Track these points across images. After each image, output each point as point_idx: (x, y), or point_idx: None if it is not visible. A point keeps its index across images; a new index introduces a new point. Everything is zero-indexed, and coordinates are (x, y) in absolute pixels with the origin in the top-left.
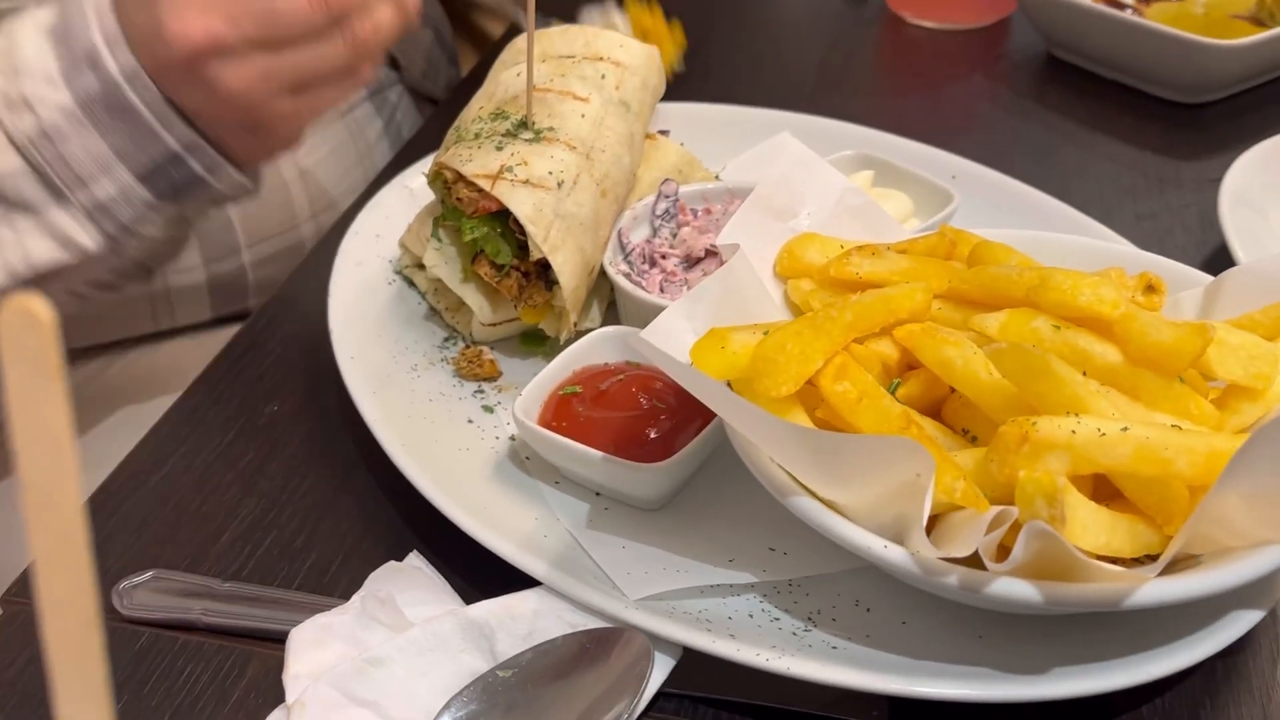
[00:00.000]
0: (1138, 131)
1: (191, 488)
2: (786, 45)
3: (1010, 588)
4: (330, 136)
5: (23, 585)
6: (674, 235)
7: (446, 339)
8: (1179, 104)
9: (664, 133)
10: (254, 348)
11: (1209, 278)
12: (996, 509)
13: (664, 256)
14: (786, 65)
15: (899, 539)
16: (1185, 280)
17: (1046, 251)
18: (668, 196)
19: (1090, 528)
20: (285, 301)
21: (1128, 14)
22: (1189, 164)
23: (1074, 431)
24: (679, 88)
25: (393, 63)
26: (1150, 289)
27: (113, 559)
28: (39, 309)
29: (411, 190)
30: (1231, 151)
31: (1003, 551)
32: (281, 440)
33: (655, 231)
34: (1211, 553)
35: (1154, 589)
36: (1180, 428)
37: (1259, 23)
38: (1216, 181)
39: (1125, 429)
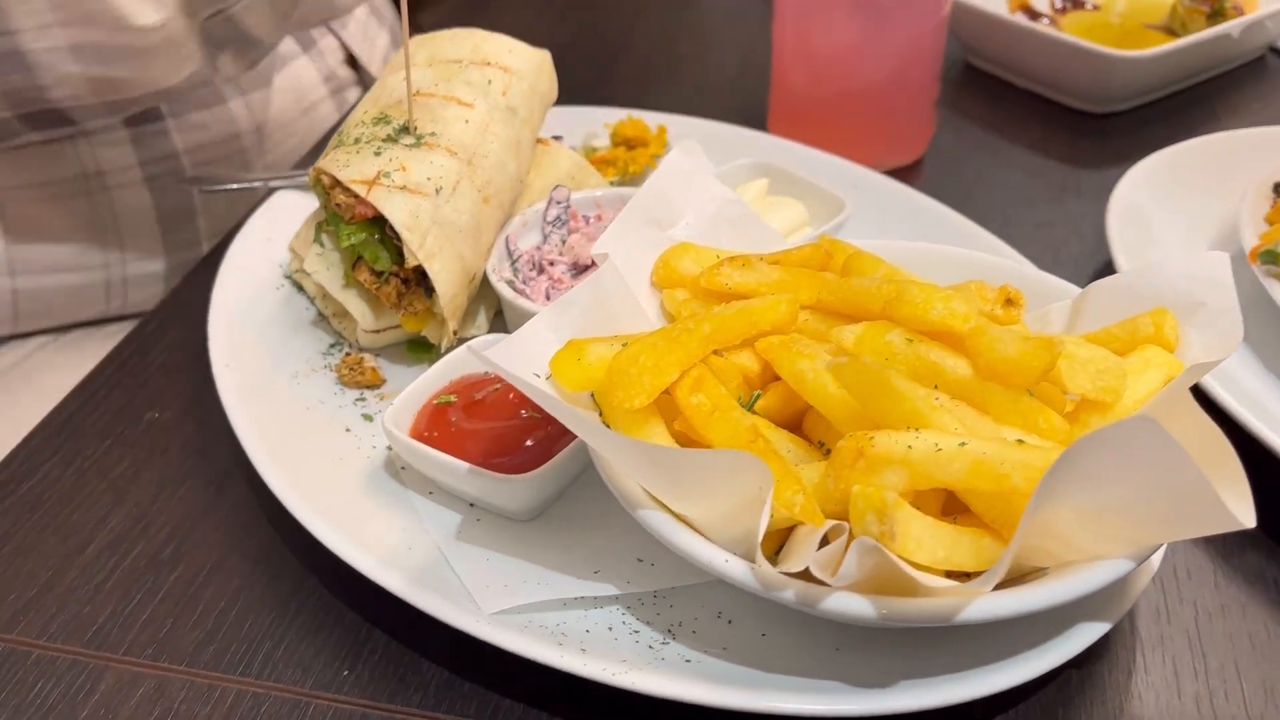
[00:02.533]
0: (1045, 140)
1: (61, 497)
2: (703, 49)
3: (844, 603)
4: (294, 132)
5: None
6: (563, 242)
7: (332, 345)
8: (1087, 113)
9: (557, 138)
10: (139, 353)
11: (1075, 289)
12: (831, 524)
13: (552, 264)
14: (704, 70)
15: (749, 554)
16: (1059, 293)
17: (924, 263)
18: (559, 203)
19: (925, 543)
20: (177, 306)
21: (1043, 24)
22: (1090, 173)
23: (910, 447)
24: (589, 92)
25: (352, 62)
26: (1009, 302)
27: None
28: None
29: (302, 194)
30: (1131, 162)
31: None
32: (158, 449)
33: (545, 238)
34: (1057, 567)
35: (986, 604)
36: (1023, 442)
37: (1171, 32)
38: (1114, 189)
39: (963, 444)
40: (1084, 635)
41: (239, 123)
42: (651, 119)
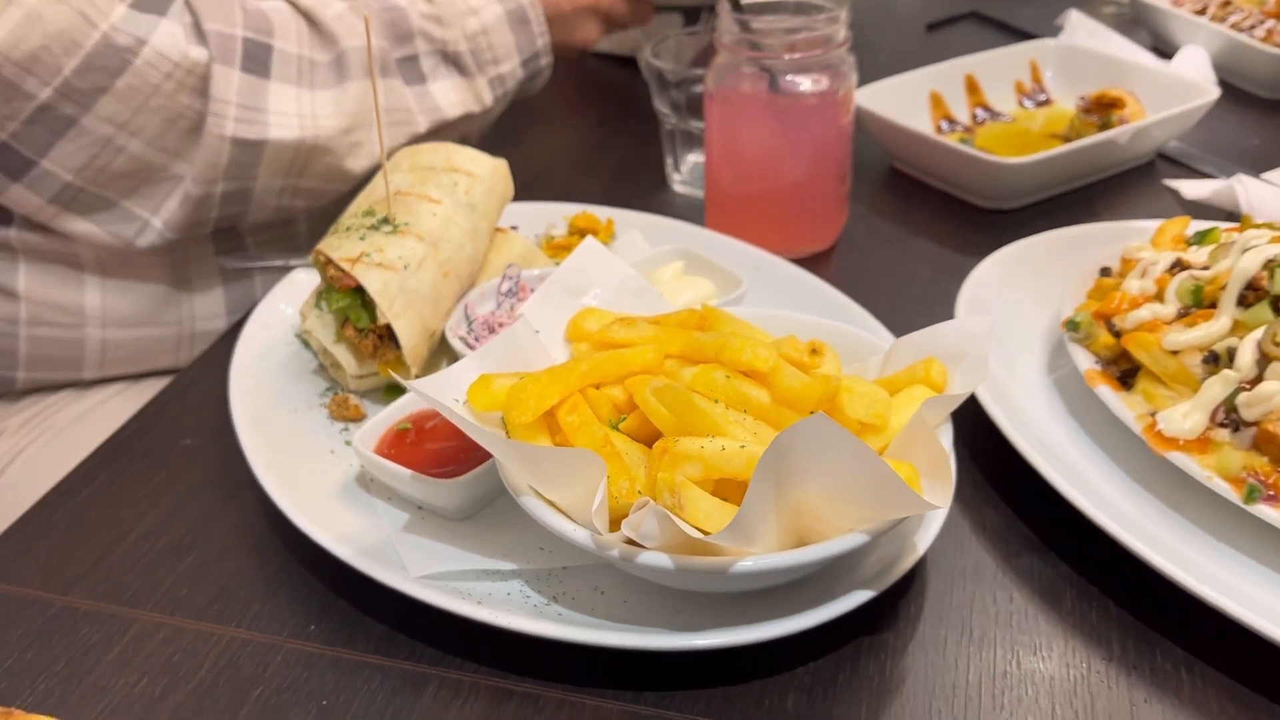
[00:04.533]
0: (948, 233)
1: (109, 500)
2: (634, 144)
3: (651, 558)
4: (332, 218)
5: None
6: (512, 309)
7: (326, 389)
8: (986, 209)
9: (514, 228)
10: (180, 394)
11: (880, 345)
12: (638, 501)
13: (502, 325)
14: (643, 164)
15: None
16: (872, 350)
17: (781, 327)
18: (510, 278)
19: (713, 516)
20: (213, 357)
21: (959, 131)
22: (978, 260)
23: (703, 447)
24: (533, 188)
25: None
26: (814, 351)
27: (41, 553)
28: None
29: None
30: None
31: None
32: (186, 467)
33: (499, 305)
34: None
35: (752, 561)
36: None
37: (1069, 141)
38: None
39: (743, 446)
40: (856, 598)
41: (297, 219)
42: (603, 213)
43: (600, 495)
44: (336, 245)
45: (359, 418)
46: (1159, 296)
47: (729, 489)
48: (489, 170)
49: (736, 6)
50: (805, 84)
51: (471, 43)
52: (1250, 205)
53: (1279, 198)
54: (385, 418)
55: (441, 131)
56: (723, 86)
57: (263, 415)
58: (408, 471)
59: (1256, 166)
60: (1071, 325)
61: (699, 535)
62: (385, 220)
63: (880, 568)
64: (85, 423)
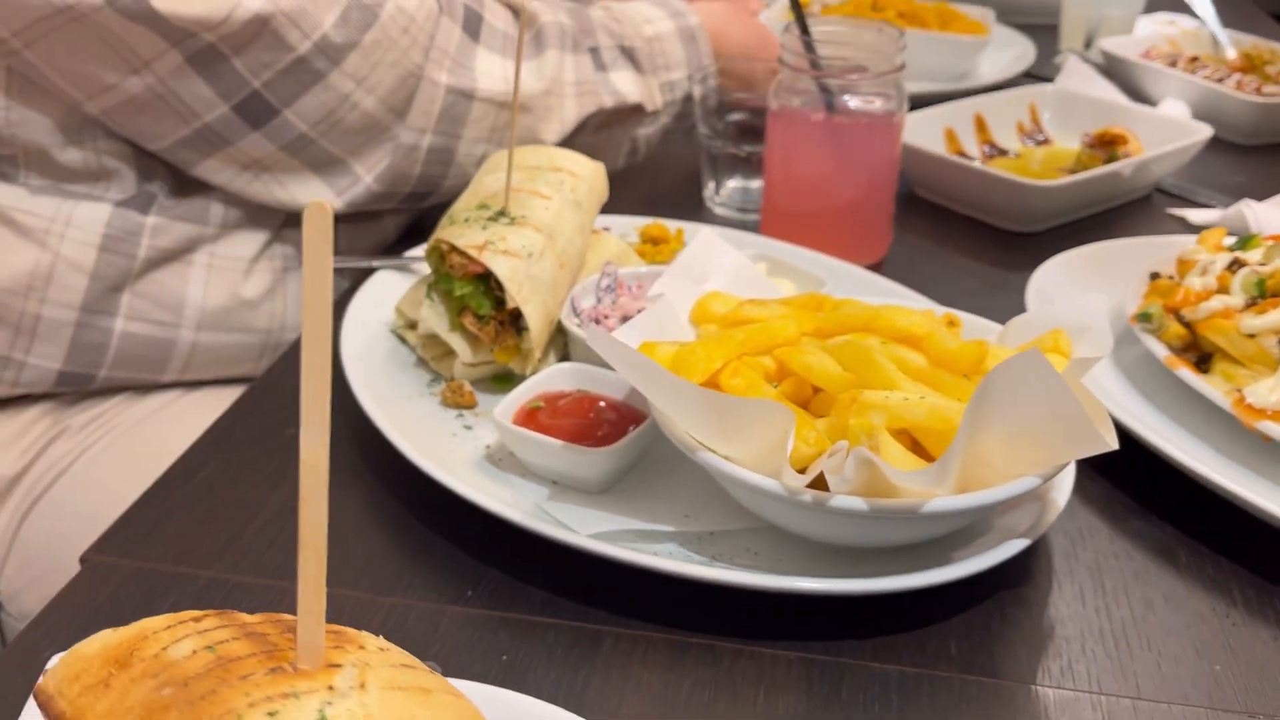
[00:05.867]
0: (978, 251)
1: (228, 483)
2: (671, 166)
3: (846, 501)
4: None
5: (104, 543)
6: (614, 303)
7: (432, 380)
8: (1011, 231)
9: (606, 229)
10: (271, 389)
11: (999, 326)
12: (835, 444)
13: (606, 317)
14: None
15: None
16: (985, 329)
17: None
18: (609, 275)
19: (899, 460)
20: (295, 358)
21: (974, 163)
22: (1016, 274)
23: (888, 397)
24: (632, 205)
25: None
26: (951, 323)
27: (170, 531)
28: (328, 209)
29: (397, 273)
30: None
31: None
32: (297, 454)
33: (599, 300)
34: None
35: (942, 501)
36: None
37: (1076, 174)
38: None
39: (923, 397)
40: (1013, 546)
41: (387, 235)
42: (671, 224)
43: (790, 443)
44: (459, 234)
45: (472, 404)
46: (1221, 291)
47: (902, 440)
48: (590, 171)
49: (803, 29)
50: (865, 105)
51: (647, 45)
52: (1259, 227)
53: None
54: (516, 397)
55: (615, 126)
56: (785, 105)
57: (383, 401)
58: (557, 441)
59: (1248, 198)
60: (1144, 317)
61: (901, 476)
62: (502, 213)
63: (1028, 520)
64: (150, 426)
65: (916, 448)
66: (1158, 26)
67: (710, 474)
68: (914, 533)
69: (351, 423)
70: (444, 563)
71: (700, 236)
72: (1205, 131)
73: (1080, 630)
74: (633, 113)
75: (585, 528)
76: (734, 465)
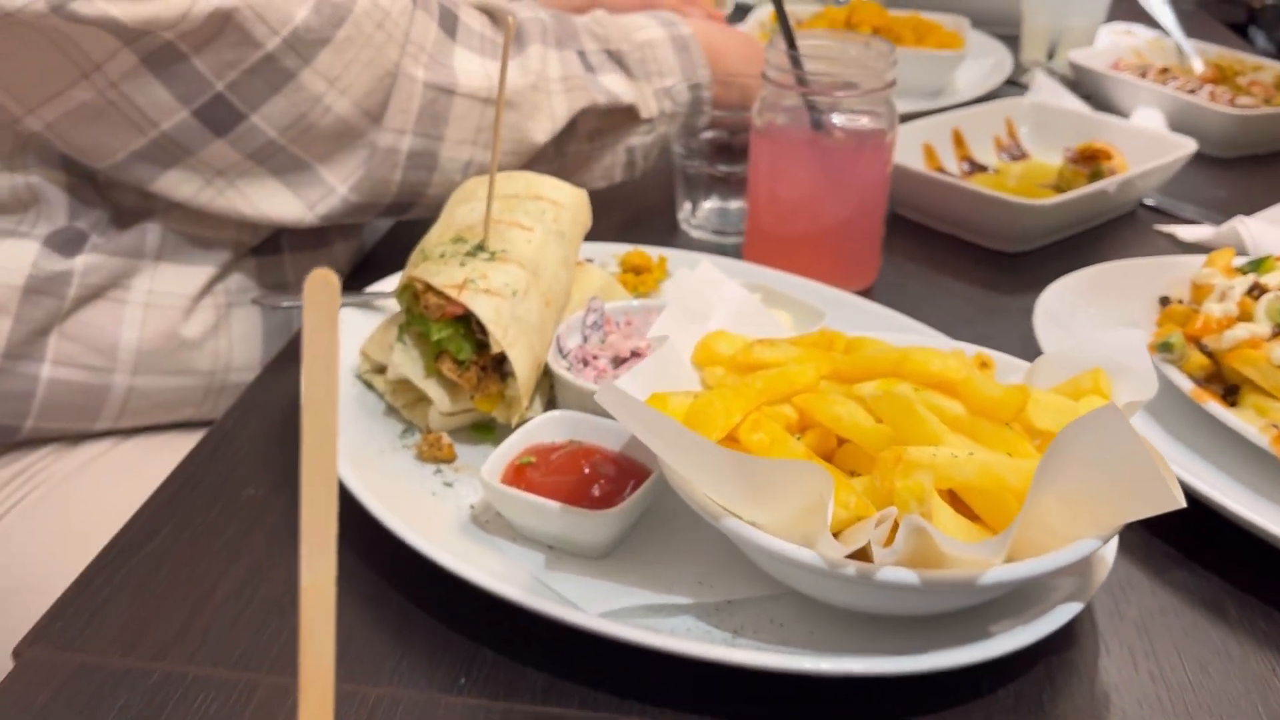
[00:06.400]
0: (968, 272)
1: (181, 556)
2: (641, 188)
3: (895, 573)
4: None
5: (39, 632)
6: (602, 341)
7: (404, 431)
8: (999, 252)
9: (589, 260)
10: (225, 444)
11: (1026, 363)
12: (881, 512)
13: (595, 358)
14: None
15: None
16: (1011, 366)
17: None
18: (595, 310)
19: (949, 527)
20: (250, 405)
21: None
22: (1010, 298)
23: (934, 455)
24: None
25: None
26: (983, 364)
27: (115, 616)
28: (333, 279)
29: (358, 310)
30: (1042, 288)
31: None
32: (260, 516)
33: (585, 339)
34: (1036, 553)
35: (1001, 571)
36: (1010, 456)
37: (1060, 190)
38: (1031, 310)
39: (971, 454)
40: (1065, 612)
41: (338, 264)
42: (652, 251)
43: (829, 509)
44: (435, 271)
45: (452, 458)
46: (1243, 318)
47: (942, 497)
48: (572, 199)
49: (791, 44)
50: (855, 123)
51: (637, 50)
52: (1255, 245)
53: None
54: (504, 452)
55: (608, 133)
56: (769, 123)
57: (352, 458)
58: (556, 504)
59: (1230, 214)
60: (1164, 347)
61: (961, 548)
62: (480, 247)
63: (1074, 578)
64: (83, 480)
65: (955, 501)
66: (1116, 36)
67: (734, 541)
68: (962, 602)
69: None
70: (432, 644)
71: (699, 269)
72: (1189, 145)
73: (1137, 700)
74: (627, 118)
75: (592, 605)
76: (766, 535)
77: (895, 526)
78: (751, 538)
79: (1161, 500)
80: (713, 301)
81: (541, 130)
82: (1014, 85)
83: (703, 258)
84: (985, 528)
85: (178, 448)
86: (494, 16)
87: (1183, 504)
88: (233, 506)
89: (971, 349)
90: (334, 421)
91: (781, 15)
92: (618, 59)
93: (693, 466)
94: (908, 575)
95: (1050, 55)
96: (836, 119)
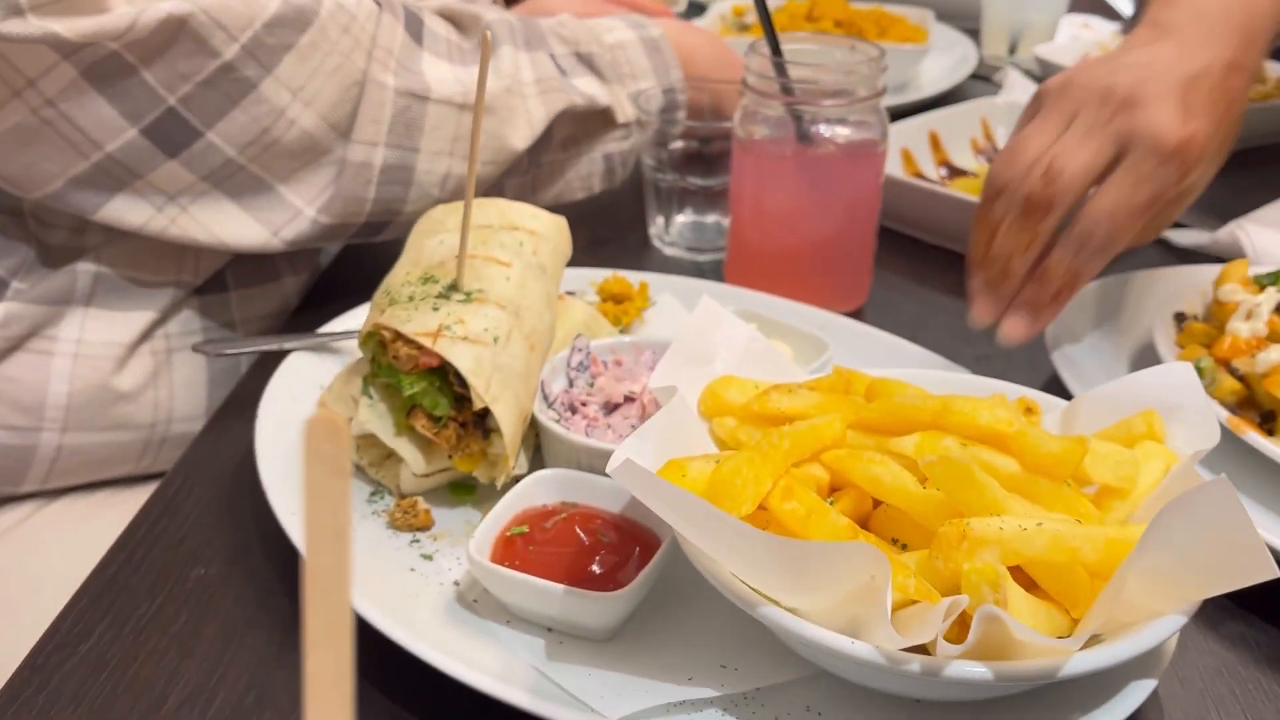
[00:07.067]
0: (961, 288)
1: (124, 656)
2: (609, 203)
3: (967, 669)
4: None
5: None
6: (590, 385)
7: (372, 494)
8: None
9: (570, 293)
10: (168, 513)
11: (1061, 401)
12: (950, 599)
13: (584, 404)
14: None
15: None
16: (1047, 405)
17: (928, 385)
18: (580, 350)
19: (1023, 612)
20: (195, 465)
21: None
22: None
23: (1001, 528)
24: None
25: None
26: (1029, 410)
27: None
28: (338, 420)
29: (313, 354)
30: None
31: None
32: (213, 603)
33: (571, 383)
34: (1111, 630)
35: (1082, 659)
36: (1079, 523)
37: None
38: None
39: (1040, 524)
40: (1140, 691)
41: (288, 300)
42: (632, 276)
43: (888, 596)
44: (405, 318)
45: (429, 525)
46: (1272, 338)
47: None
48: (552, 227)
49: (775, 49)
50: (844, 133)
51: (608, 53)
52: (1255, 250)
53: None
54: (493, 522)
55: (584, 140)
56: (754, 134)
57: None
58: (558, 586)
59: (1217, 214)
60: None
61: (1045, 640)
62: (454, 287)
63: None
64: (4, 548)
65: (1016, 573)
66: (1074, 29)
67: (773, 631)
68: (1029, 688)
69: (277, 555)
70: None
71: (700, 308)
72: None
73: None
74: (603, 123)
75: (609, 706)
76: (811, 626)
77: (961, 613)
78: (795, 629)
79: (1256, 571)
80: (716, 342)
81: (520, 136)
82: (981, 80)
83: (695, 284)
84: (1054, 604)
85: (113, 508)
86: (457, 22)
87: (1277, 574)
88: (181, 591)
89: (1013, 390)
90: (348, 605)
91: (764, 17)
92: (588, 62)
93: (724, 549)
94: (979, 670)
95: (1012, 50)
96: (824, 129)
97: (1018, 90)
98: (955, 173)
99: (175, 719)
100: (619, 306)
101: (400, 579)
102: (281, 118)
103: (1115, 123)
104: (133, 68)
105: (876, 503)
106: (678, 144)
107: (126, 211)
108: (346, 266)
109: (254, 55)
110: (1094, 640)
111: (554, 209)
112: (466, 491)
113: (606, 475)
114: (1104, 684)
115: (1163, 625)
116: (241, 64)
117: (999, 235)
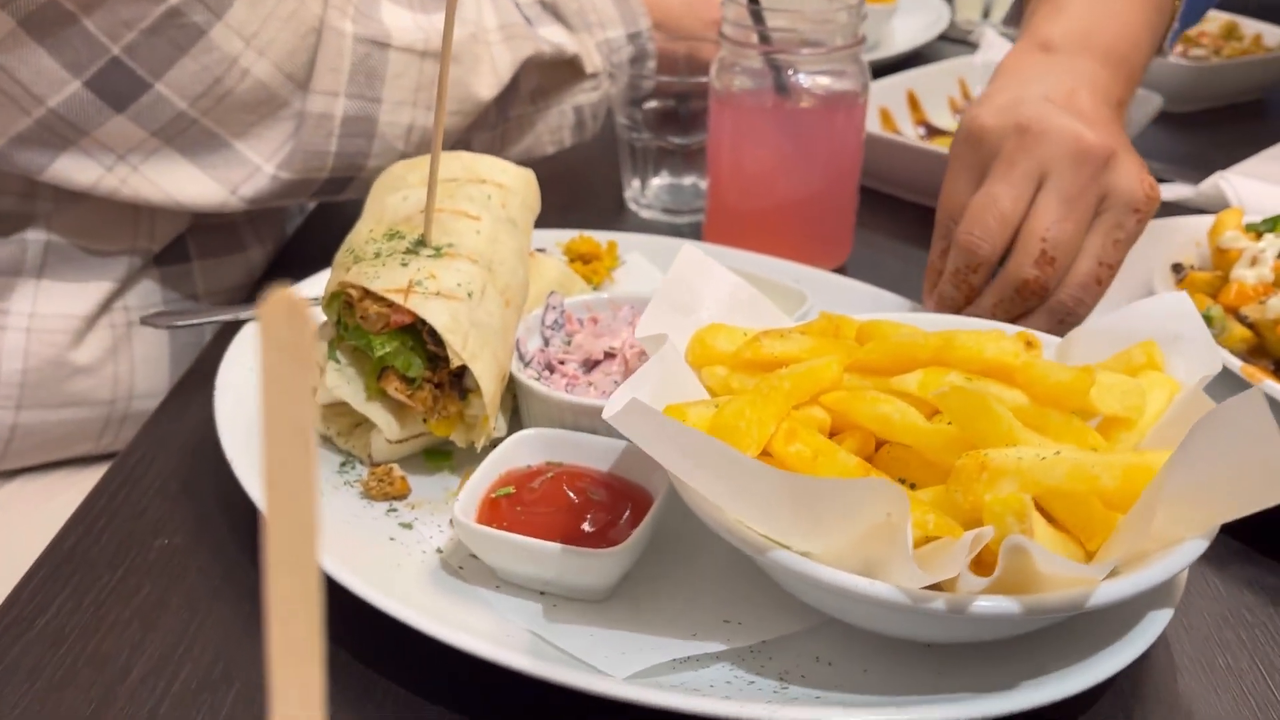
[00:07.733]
0: None
1: (84, 629)
2: (583, 164)
3: (994, 604)
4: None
5: None
6: (567, 343)
7: (343, 464)
8: None
9: (541, 250)
10: (129, 484)
11: (1054, 339)
12: (974, 532)
13: (562, 363)
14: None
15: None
16: (1046, 344)
17: (921, 326)
18: (554, 308)
19: (1051, 541)
20: (156, 437)
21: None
22: None
23: (1019, 458)
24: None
25: None
26: (1029, 344)
27: (5, 710)
28: (298, 301)
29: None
30: None
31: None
32: (177, 574)
33: (546, 341)
34: (1132, 558)
35: (1109, 588)
36: (1095, 451)
37: None
38: None
39: (1058, 453)
40: (1158, 621)
41: (254, 272)
42: (599, 236)
43: (908, 533)
44: (372, 274)
45: (405, 493)
46: (1279, 283)
47: None
48: (520, 180)
49: None
50: (824, 84)
51: (573, 1)
52: (1240, 200)
53: (1267, 191)
54: (477, 484)
55: (552, 92)
56: (731, 87)
57: None
58: (555, 546)
59: (1200, 169)
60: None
61: (1073, 568)
62: (421, 242)
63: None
64: None
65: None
66: None
67: (782, 577)
68: (1049, 623)
69: (242, 526)
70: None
71: (682, 255)
72: (1155, 100)
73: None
74: (571, 73)
75: (614, 666)
76: (828, 569)
77: (985, 546)
78: (809, 572)
79: (1275, 492)
80: (701, 290)
81: (486, 85)
82: (952, 42)
83: (665, 242)
84: (1070, 536)
85: (73, 487)
86: None
87: None
88: (143, 562)
89: (1010, 328)
90: (312, 513)
91: None
92: (553, 10)
93: (731, 493)
94: (1007, 604)
95: (985, 14)
96: (804, 79)
97: (995, 50)
98: (934, 131)
99: (139, 692)
100: (587, 266)
101: (380, 549)
102: (234, 67)
103: (1094, 187)
104: (73, 15)
105: (879, 445)
106: (653, 103)
107: (75, 171)
108: (312, 237)
109: None
110: (1113, 572)
111: (526, 164)
112: (442, 457)
113: (592, 433)
114: (1121, 617)
115: (1186, 550)
116: (188, 8)
117: (963, 294)
